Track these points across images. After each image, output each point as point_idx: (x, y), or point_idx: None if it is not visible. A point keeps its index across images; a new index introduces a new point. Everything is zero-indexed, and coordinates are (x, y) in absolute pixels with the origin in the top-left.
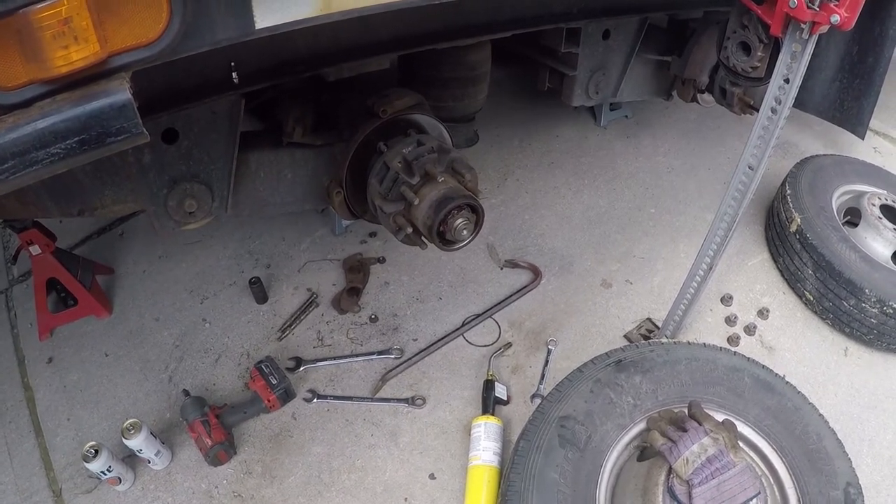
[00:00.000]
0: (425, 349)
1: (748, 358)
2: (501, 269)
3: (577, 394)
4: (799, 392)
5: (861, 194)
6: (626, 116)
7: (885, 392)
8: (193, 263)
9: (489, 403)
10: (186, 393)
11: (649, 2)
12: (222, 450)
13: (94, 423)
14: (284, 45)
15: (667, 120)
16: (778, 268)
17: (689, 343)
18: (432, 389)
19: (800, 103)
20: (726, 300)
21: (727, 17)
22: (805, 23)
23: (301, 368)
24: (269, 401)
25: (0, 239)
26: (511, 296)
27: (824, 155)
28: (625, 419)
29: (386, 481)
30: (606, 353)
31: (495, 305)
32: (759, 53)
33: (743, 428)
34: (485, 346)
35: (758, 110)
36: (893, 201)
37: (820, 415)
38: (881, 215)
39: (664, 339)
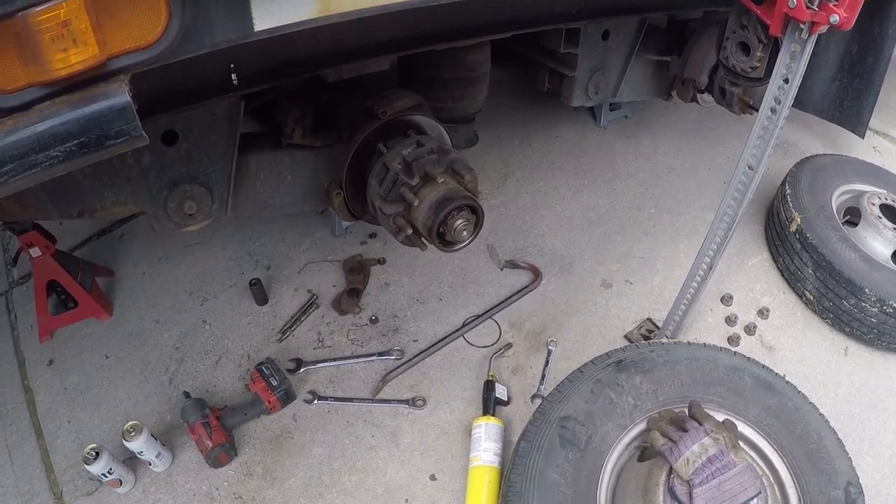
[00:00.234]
0: (426, 350)
1: (748, 358)
2: (501, 269)
3: (578, 394)
4: (799, 391)
5: (861, 194)
6: (626, 117)
7: (885, 391)
8: (193, 265)
9: (490, 404)
10: (187, 395)
11: (649, 2)
12: (223, 451)
13: (94, 426)
14: (284, 47)
15: (666, 120)
16: (778, 267)
17: (689, 343)
18: (433, 390)
19: (799, 103)
20: (726, 300)
21: (726, 17)
22: (804, 23)
23: (301, 370)
24: (269, 402)
25: (0, 241)
26: (511, 296)
27: (824, 154)
28: (625, 419)
29: (387, 482)
30: (607, 354)
31: (495, 306)
32: (759, 53)
33: (743, 428)
34: (485, 346)
35: (757, 110)
36: (893, 201)
37: (820, 414)
38: (881, 215)
39: (664, 340)
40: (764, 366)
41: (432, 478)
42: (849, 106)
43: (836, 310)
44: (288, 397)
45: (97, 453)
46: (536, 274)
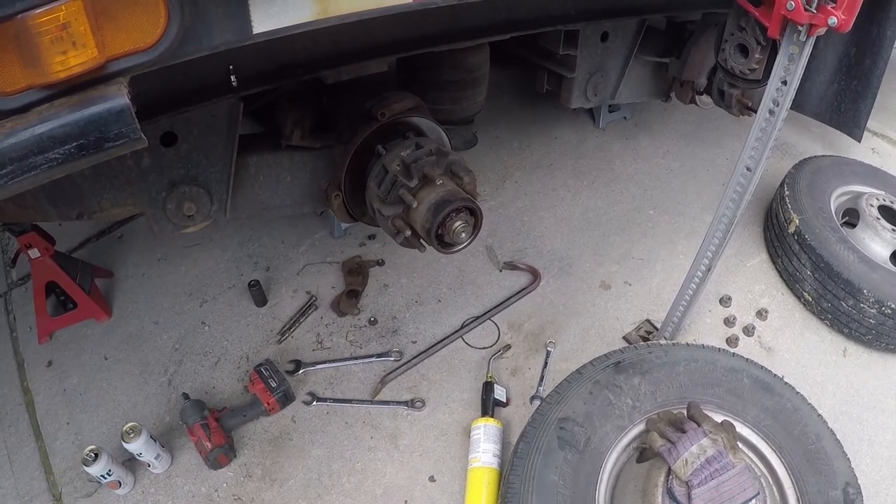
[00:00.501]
0: (424, 351)
1: (747, 359)
2: (500, 271)
3: (577, 395)
4: (798, 392)
5: (859, 195)
6: (625, 118)
7: (884, 392)
8: (192, 266)
9: (488, 405)
10: (186, 396)
11: (647, 4)
12: (222, 453)
13: (93, 427)
14: (283, 49)
15: (665, 121)
16: (776, 269)
17: (687, 344)
18: (432, 392)
19: (797, 105)
20: (725, 301)
21: (725, 19)
22: (802, 25)
23: (300, 371)
24: (268, 404)
25: None
26: (510, 298)
27: (823, 156)
28: (624, 421)
29: (386, 484)
30: (605, 355)
31: (494, 308)
32: (757, 55)
33: (742, 429)
34: (484, 348)
35: (756, 112)
36: (892, 202)
37: (819, 415)
38: (879, 216)
39: (663, 341)
40: (762, 367)
41: (431, 479)
42: (846, 108)
43: (834, 311)
44: (287, 399)
45: (96, 455)
46: (535, 275)
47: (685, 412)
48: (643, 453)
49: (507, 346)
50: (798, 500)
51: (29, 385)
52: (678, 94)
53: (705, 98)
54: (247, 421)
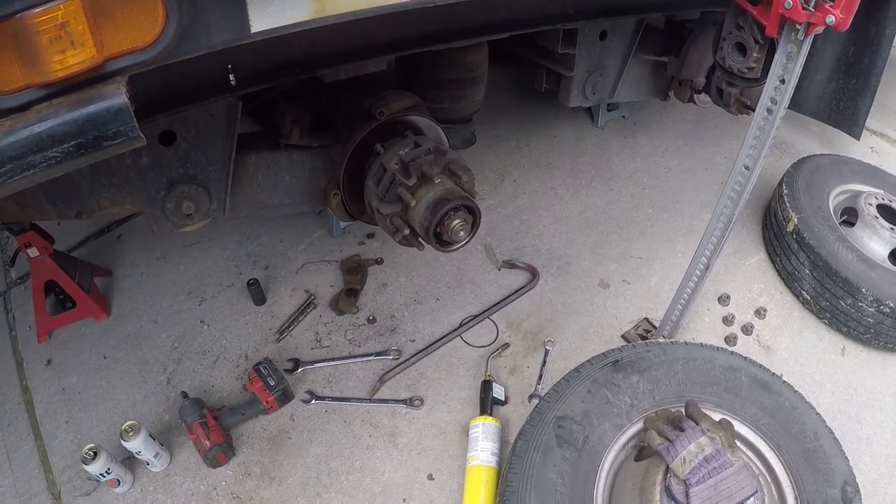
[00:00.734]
0: (423, 350)
1: (745, 357)
2: (499, 269)
3: (575, 394)
4: (796, 391)
5: (858, 194)
6: (624, 117)
7: (882, 390)
8: (191, 265)
9: (487, 404)
10: (185, 395)
11: (646, 2)
12: (221, 451)
13: (92, 426)
14: (281, 48)
15: (664, 120)
16: (775, 267)
17: (686, 343)
18: (430, 390)
19: (795, 105)
20: (723, 300)
21: (723, 17)
22: (800, 24)
23: (299, 370)
24: (267, 402)
25: None
26: (509, 296)
27: (821, 155)
28: (622, 419)
29: (384, 482)
30: (604, 354)
31: (493, 306)
32: (755, 54)
33: (740, 427)
34: (482, 346)
35: (754, 110)
36: (890, 201)
37: (817, 414)
38: (878, 215)
39: (661, 339)
40: (761, 365)
41: (430, 477)
42: (845, 107)
43: (833, 309)
44: (286, 397)
45: (95, 453)
46: (534, 274)
47: (683, 410)
48: (641, 451)
49: (506, 345)
50: (796, 499)
51: (28, 384)
52: (677, 92)
53: (704, 97)
54: (245, 419)
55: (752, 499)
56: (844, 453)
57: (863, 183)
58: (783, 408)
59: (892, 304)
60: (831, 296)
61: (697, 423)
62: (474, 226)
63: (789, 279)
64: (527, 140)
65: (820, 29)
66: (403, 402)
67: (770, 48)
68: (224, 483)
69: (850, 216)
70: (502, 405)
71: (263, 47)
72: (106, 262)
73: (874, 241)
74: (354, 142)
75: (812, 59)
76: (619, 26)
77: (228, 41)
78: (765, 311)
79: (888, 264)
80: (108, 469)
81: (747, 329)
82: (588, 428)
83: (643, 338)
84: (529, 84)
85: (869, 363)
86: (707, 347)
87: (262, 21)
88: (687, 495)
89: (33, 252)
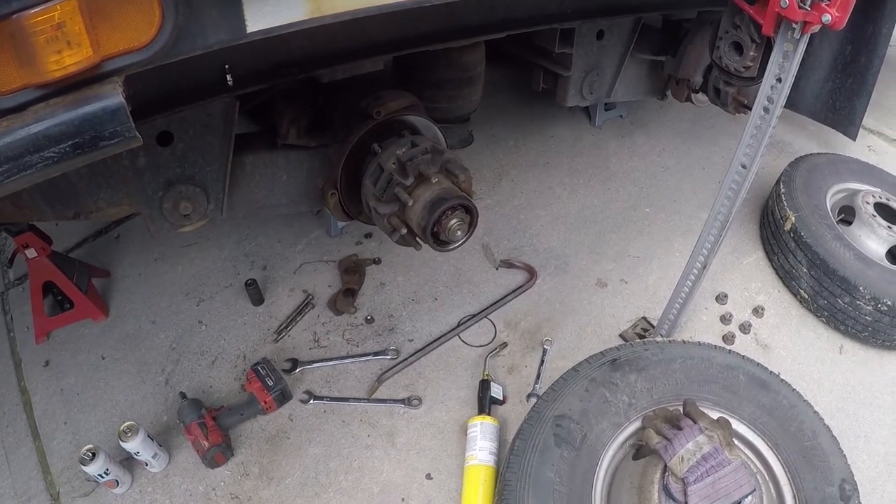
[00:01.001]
0: (421, 350)
1: (743, 356)
2: (497, 269)
3: (573, 393)
4: (794, 389)
5: (855, 192)
6: (621, 116)
7: (880, 389)
8: (189, 266)
9: (485, 403)
10: (183, 395)
11: (643, 2)
12: (219, 452)
13: (91, 427)
14: (278, 48)
15: (661, 119)
16: (773, 266)
17: (683, 342)
18: (428, 390)
19: (792, 104)
20: (721, 299)
21: (720, 17)
22: (796, 22)
23: (297, 370)
24: (265, 402)
25: None
26: (506, 296)
27: (818, 153)
28: (620, 418)
29: (383, 482)
30: (602, 353)
31: (491, 305)
32: (752, 53)
33: (738, 425)
34: (480, 346)
35: (751, 109)
36: (888, 199)
37: (815, 412)
38: (875, 213)
39: (659, 338)
40: (758, 364)
41: (428, 477)
42: (841, 107)
43: (830, 308)
44: (284, 397)
45: (94, 454)
46: (531, 273)
47: (681, 409)
48: (639, 450)
49: (504, 344)
50: (794, 497)
51: (26, 385)
52: (674, 92)
53: (701, 96)
54: (244, 420)
55: (749, 497)
56: (842, 451)
57: (860, 181)
58: (781, 406)
59: (889, 302)
60: (829, 294)
61: (695, 422)
62: (472, 225)
63: (787, 278)
64: (524, 139)
65: (816, 28)
66: (402, 401)
67: (767, 47)
68: (222, 483)
69: (847, 215)
70: (500, 404)
71: (260, 47)
72: (104, 262)
73: (871, 239)
74: (352, 142)
75: (809, 59)
76: (616, 26)
77: (225, 41)
78: (762, 309)
79: (886, 262)
80: (107, 470)
81: (745, 328)
82: (586, 427)
83: (641, 337)
84: (527, 84)
85: (867, 361)
86: (705, 346)
87: (258, 21)
88: (685, 493)
89: (31, 253)
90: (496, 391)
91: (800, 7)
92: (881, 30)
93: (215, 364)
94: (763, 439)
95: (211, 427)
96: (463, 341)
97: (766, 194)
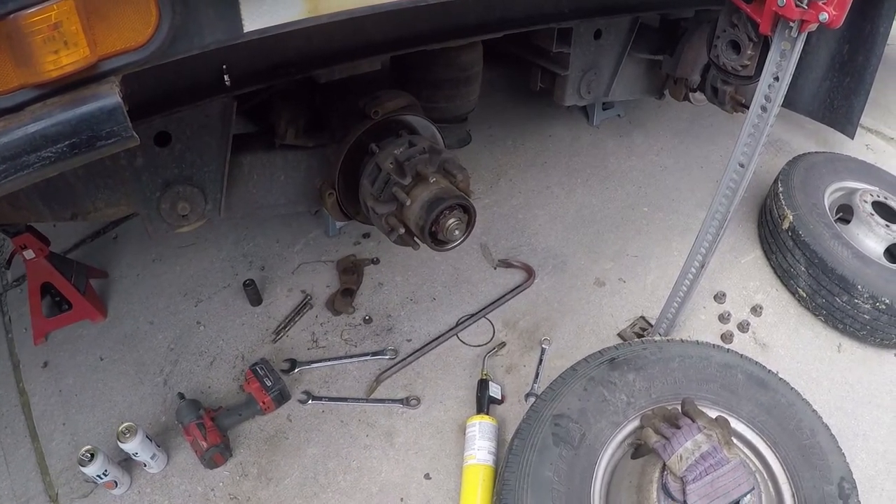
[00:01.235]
0: (419, 349)
1: (741, 355)
2: (495, 268)
3: (571, 392)
4: (792, 388)
5: (853, 191)
6: (619, 115)
7: (878, 387)
8: (187, 266)
9: (483, 403)
10: (181, 396)
11: (641, 1)
12: (218, 452)
13: (89, 428)
14: (275, 48)
15: (659, 119)
16: (771, 265)
17: (682, 340)
18: (427, 389)
19: (789, 103)
20: (719, 298)
21: (718, 15)
22: (794, 21)
23: (296, 370)
24: (264, 403)
25: None
26: (505, 295)
27: (816, 152)
28: (618, 417)
29: (381, 482)
30: (600, 352)
31: (489, 305)
32: (749, 52)
33: (736, 424)
34: (479, 345)
35: (749, 108)
36: (885, 198)
37: (813, 410)
38: (873, 212)
39: (657, 337)
40: (757, 363)
41: (427, 476)
42: (839, 105)
43: (828, 307)
44: (282, 398)
45: (92, 455)
46: (530, 273)
47: (680, 408)
48: (638, 449)
49: (502, 344)
50: (793, 496)
51: (25, 386)
52: (672, 91)
53: (699, 95)
54: (242, 420)
55: (748, 495)
56: (841, 450)
57: (858, 180)
58: (779, 405)
59: (887, 301)
60: (827, 293)
61: (694, 421)
62: (469, 225)
63: (785, 276)
64: (522, 139)
65: (813, 26)
66: (400, 401)
67: (764, 46)
68: (221, 484)
69: (845, 213)
70: (499, 404)
71: (258, 47)
72: (102, 263)
73: (869, 237)
74: (349, 141)
75: (806, 57)
76: (613, 25)
77: (222, 41)
78: (761, 308)
79: (883, 261)
80: (106, 471)
81: (743, 326)
82: (585, 426)
83: (639, 336)
84: (524, 83)
85: (865, 360)
86: (703, 345)
87: (254, 21)
88: (684, 492)
89: (29, 254)
90: (494, 391)
91: (797, 6)
92: (879, 28)
93: (213, 364)
94: (762, 438)
95: (209, 428)
96: (461, 341)
97: (764, 193)
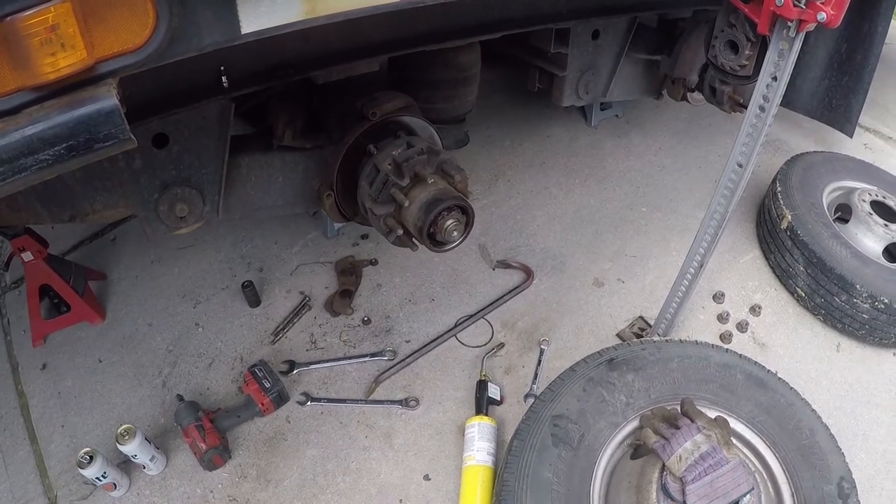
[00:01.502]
0: (418, 350)
1: (740, 355)
2: (493, 269)
3: (570, 393)
4: (791, 388)
5: (851, 190)
6: (617, 116)
7: (877, 387)
8: (186, 268)
9: (482, 404)
10: (180, 398)
11: (639, 1)
12: (217, 454)
13: (88, 430)
14: (273, 49)
15: (657, 119)
16: (769, 265)
17: (681, 341)
18: (426, 391)
19: (788, 102)
20: (718, 297)
21: (716, 15)
22: (792, 21)
23: (294, 371)
24: (262, 404)
25: None
26: (503, 296)
27: (815, 152)
28: (618, 417)
29: (381, 483)
30: (599, 352)
31: (488, 306)
32: (747, 52)
33: (736, 424)
34: (478, 346)
35: (747, 108)
36: (884, 197)
37: (813, 410)
38: (871, 211)
39: (656, 337)
40: (756, 362)
41: (426, 478)
42: (837, 105)
43: (827, 306)
44: (281, 399)
45: (91, 457)
46: (528, 273)
47: (679, 408)
48: (637, 450)
49: (501, 345)
50: (792, 495)
51: (23, 388)
52: (670, 91)
53: (697, 95)
54: (241, 422)
55: (748, 496)
56: (840, 449)
57: (856, 180)
58: (779, 405)
59: (886, 300)
60: (826, 292)
61: (693, 421)
62: (468, 226)
63: (784, 276)
64: (520, 140)
65: (811, 26)
66: (399, 402)
67: (762, 46)
68: (220, 486)
69: (843, 213)
70: (498, 405)
71: (255, 48)
72: (100, 265)
73: (868, 237)
74: (347, 143)
75: (805, 57)
76: (611, 25)
77: (219, 42)
78: (759, 308)
79: (882, 260)
80: (105, 473)
81: (742, 326)
82: (584, 426)
83: (638, 336)
84: (522, 84)
85: (864, 359)
86: (702, 345)
87: (252, 22)
88: (683, 493)
89: (27, 256)
90: (493, 391)
91: (795, 5)
92: (877, 27)
93: (212, 366)
94: (761, 438)
95: (208, 429)
96: (460, 342)
97: (762, 193)
